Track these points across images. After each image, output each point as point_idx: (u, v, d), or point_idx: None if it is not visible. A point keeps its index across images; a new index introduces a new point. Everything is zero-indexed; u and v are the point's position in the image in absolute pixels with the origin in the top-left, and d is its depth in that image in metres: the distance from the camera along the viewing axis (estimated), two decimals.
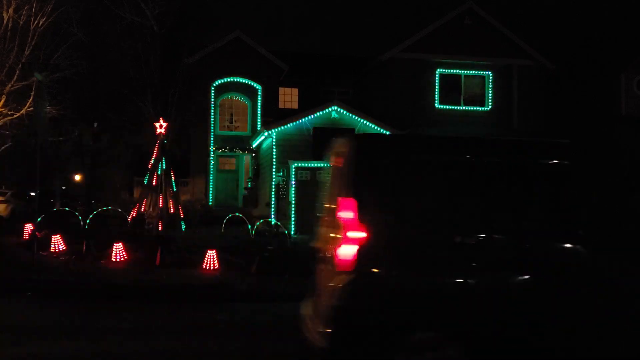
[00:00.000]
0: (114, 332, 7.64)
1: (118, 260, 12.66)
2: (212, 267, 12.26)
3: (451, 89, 24.06)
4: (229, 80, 25.69)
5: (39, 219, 13.99)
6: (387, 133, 21.13)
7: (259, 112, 25.90)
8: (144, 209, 18.95)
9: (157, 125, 19.00)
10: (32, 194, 28.02)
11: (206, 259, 12.34)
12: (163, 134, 19.20)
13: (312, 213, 22.15)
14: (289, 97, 27.65)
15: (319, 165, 20.83)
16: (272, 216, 20.06)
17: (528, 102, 24.08)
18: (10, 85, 18.10)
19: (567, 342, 4.99)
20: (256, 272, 12.15)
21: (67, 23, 19.51)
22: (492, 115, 24.09)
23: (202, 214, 21.98)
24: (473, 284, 4.97)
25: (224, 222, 18.88)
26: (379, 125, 21.00)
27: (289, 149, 20.56)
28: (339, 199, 5.02)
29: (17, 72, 17.90)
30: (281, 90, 26.88)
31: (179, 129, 21.90)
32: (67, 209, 21.62)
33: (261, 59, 25.68)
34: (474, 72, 24.13)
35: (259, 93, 25.96)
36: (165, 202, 19.22)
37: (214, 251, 12.43)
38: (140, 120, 21.63)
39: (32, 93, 16.57)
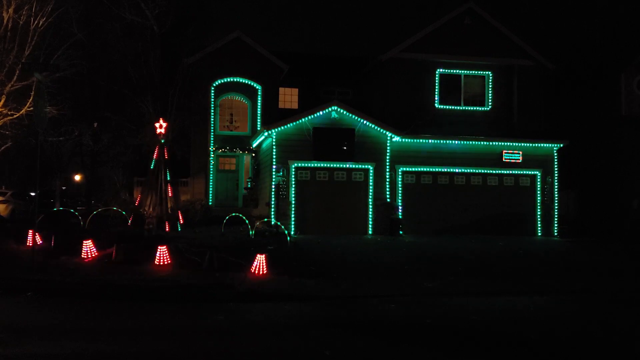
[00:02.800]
0: (114, 332, 7.64)
1: (119, 260, 12.66)
2: (212, 268, 12.26)
3: (451, 89, 24.03)
4: (229, 80, 25.67)
5: (38, 219, 13.99)
6: (388, 133, 21.14)
7: (259, 112, 25.89)
8: (145, 209, 18.96)
9: (157, 125, 19.02)
10: (32, 194, 28.04)
11: (207, 259, 12.34)
12: (163, 134, 19.24)
13: (312, 213, 22.27)
14: (289, 97, 27.63)
15: (319, 165, 20.83)
16: (272, 216, 20.06)
17: (528, 102, 24.06)
18: (10, 85, 18.11)
19: None
20: (256, 272, 12.15)
21: (67, 23, 19.53)
22: (492, 115, 24.08)
23: (202, 214, 21.99)
24: None
25: (224, 222, 18.89)
26: (379, 125, 21.00)
27: (289, 149, 20.56)
28: None
29: (17, 72, 17.90)
30: (281, 90, 26.86)
31: (179, 129, 21.91)
32: (67, 209, 21.60)
33: (261, 59, 25.66)
34: (474, 72, 24.11)
35: (259, 93, 25.95)
36: (166, 202, 19.23)
37: (214, 252, 12.44)
38: (140, 120, 21.64)
39: (32, 93, 16.57)
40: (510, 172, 22.43)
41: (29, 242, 14.11)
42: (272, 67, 25.78)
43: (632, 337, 8.28)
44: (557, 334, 8.30)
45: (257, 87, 25.95)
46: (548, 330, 8.49)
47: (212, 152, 25.48)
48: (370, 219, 20.93)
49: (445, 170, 22.04)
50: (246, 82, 25.85)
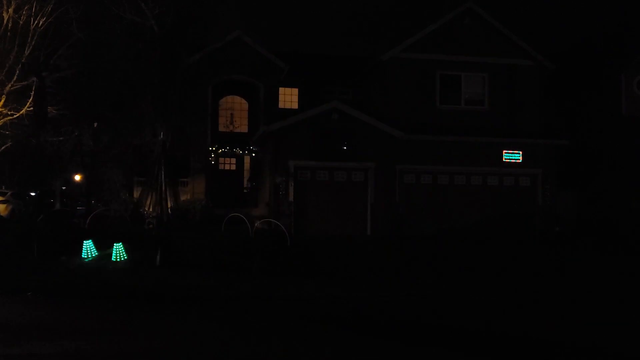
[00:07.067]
0: (114, 332, 7.64)
1: (118, 260, 12.66)
2: (212, 267, 12.26)
3: (451, 88, 23.99)
4: (229, 80, 25.64)
5: (38, 219, 14.00)
6: (388, 133, 21.14)
7: (259, 112, 25.88)
8: (145, 209, 18.96)
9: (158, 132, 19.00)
10: (32, 194, 28.03)
11: (206, 259, 12.33)
12: (162, 138, 19.27)
13: (312, 213, 22.30)
14: (289, 97, 27.61)
15: (319, 165, 20.83)
16: (272, 216, 20.05)
17: (528, 102, 24.04)
18: (10, 85, 18.12)
19: None
20: (257, 272, 12.15)
21: (67, 23, 19.52)
22: (492, 115, 24.03)
23: (202, 214, 21.97)
24: None
25: (224, 222, 18.87)
26: (379, 126, 21.02)
27: (289, 149, 20.56)
28: None
29: (17, 72, 17.91)
30: (281, 90, 26.82)
31: (179, 129, 21.88)
32: (67, 209, 21.58)
33: (261, 59, 25.63)
34: (474, 72, 24.08)
35: (259, 93, 25.92)
36: (165, 202, 19.23)
37: (214, 252, 12.43)
38: (140, 120, 21.61)
39: (32, 93, 16.59)
40: (511, 171, 22.43)
41: (29, 242, 14.08)
42: (272, 67, 25.76)
43: None
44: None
45: (257, 87, 25.93)
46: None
47: (212, 152, 25.45)
48: (370, 219, 20.93)
49: (445, 170, 22.03)
50: (246, 81, 25.83)
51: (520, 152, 22.32)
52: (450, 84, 23.95)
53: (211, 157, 25.43)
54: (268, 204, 20.79)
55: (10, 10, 17.61)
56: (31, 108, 18.08)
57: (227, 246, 14.54)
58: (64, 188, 38.36)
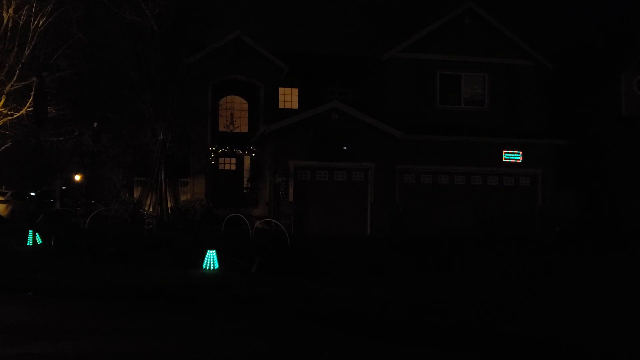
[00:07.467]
0: (114, 332, 7.64)
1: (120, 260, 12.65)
2: (212, 268, 12.25)
3: (451, 88, 24.00)
4: (229, 80, 25.65)
5: (38, 219, 14.01)
6: (388, 133, 21.14)
7: (259, 112, 25.90)
8: (145, 209, 18.95)
9: (158, 132, 19.00)
10: (32, 194, 28.05)
11: (206, 259, 12.33)
12: (162, 138, 19.25)
13: (312, 213, 22.32)
14: (289, 97, 27.63)
15: (319, 165, 20.84)
16: (272, 216, 20.06)
17: (528, 102, 24.06)
18: (10, 85, 18.12)
19: None
20: (257, 272, 12.15)
21: (67, 23, 19.53)
22: (492, 114, 24.06)
23: (202, 214, 21.97)
24: None
25: (224, 222, 18.88)
26: (379, 125, 21.02)
27: (289, 149, 20.57)
28: None
29: (17, 72, 17.92)
30: (281, 90, 26.84)
31: (179, 129, 21.88)
32: (67, 208, 21.60)
33: (261, 58, 25.65)
34: (474, 72, 24.09)
35: (259, 93, 25.93)
36: (166, 202, 19.22)
37: (213, 251, 12.42)
38: (140, 120, 21.61)
39: (32, 93, 16.57)
40: (511, 171, 22.43)
41: (29, 242, 14.12)
42: (272, 67, 25.77)
43: None
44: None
45: (257, 87, 25.94)
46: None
47: (212, 152, 25.46)
48: (369, 219, 20.94)
49: (445, 170, 22.04)
50: (246, 82, 25.84)
51: (520, 152, 22.33)
52: (450, 84, 23.95)
53: (211, 157, 25.43)
54: (268, 204, 20.78)
55: (10, 10, 17.62)
56: (31, 108, 18.07)
57: (227, 246, 14.55)
58: (64, 188, 38.37)
